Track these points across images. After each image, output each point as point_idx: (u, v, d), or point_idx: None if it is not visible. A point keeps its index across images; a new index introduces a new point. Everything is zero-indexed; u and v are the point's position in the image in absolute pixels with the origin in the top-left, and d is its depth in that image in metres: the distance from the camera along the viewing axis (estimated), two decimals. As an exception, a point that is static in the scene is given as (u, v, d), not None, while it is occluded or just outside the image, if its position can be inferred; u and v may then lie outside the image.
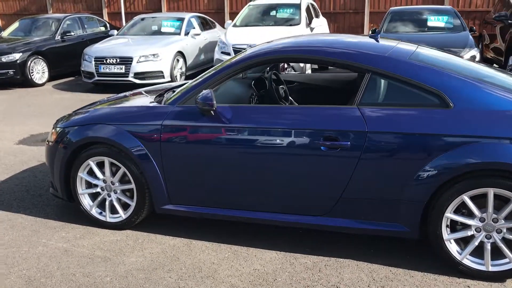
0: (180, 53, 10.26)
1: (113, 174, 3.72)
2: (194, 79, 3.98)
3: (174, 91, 4.02)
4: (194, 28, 11.23)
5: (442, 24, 9.56)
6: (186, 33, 10.90)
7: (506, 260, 2.95)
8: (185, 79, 10.45)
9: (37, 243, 3.63)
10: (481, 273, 2.99)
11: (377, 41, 3.69)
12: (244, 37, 9.52)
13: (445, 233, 3.02)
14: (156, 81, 9.65)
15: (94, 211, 3.84)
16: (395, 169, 3.02)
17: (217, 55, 9.64)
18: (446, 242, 3.02)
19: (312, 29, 10.21)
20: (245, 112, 3.36)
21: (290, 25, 10.04)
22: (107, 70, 9.59)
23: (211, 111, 3.34)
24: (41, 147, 6.03)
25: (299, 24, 10.00)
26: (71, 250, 3.52)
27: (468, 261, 3.02)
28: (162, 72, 9.68)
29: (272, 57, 3.45)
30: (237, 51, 9.28)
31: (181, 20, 11.21)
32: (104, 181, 3.75)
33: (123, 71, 9.51)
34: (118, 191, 3.75)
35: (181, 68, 10.29)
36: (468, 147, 2.88)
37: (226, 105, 3.40)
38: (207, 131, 3.37)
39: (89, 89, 10.21)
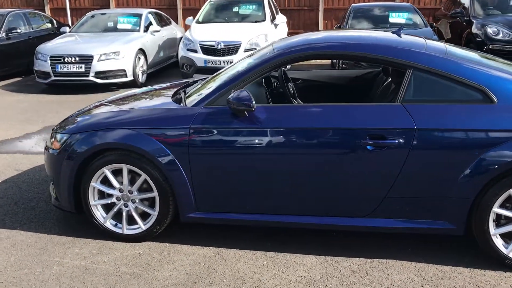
0: (141, 51, 9.83)
1: (131, 182, 3.43)
2: (211, 78, 3.76)
3: (185, 92, 3.79)
4: (152, 24, 10.81)
5: (403, 21, 9.80)
6: (145, 30, 10.47)
7: (551, 251, 3.01)
8: (147, 78, 10.05)
9: (50, 262, 3.28)
10: (528, 266, 3.03)
11: (400, 36, 3.65)
12: (210, 33, 9.28)
13: (492, 228, 3.03)
14: (118, 80, 9.21)
15: (109, 223, 3.53)
16: (443, 166, 2.99)
17: (182, 52, 9.32)
18: (493, 237, 3.03)
19: (276, 25, 10.14)
20: (284, 111, 3.21)
21: (256, 21, 9.91)
22: (65, 70, 9.00)
23: (246, 112, 3.16)
24: (15, 155, 5.52)
25: (264, 20, 9.90)
26: (92, 268, 3.21)
27: (515, 255, 3.05)
28: (124, 70, 9.23)
29: (308, 54, 3.31)
30: (204, 48, 9.04)
31: (138, 16, 10.76)
32: (120, 190, 3.45)
33: (83, 70, 8.96)
34: (137, 200, 3.46)
35: (142, 66, 9.86)
36: None
37: (260, 105, 3.22)
38: (242, 133, 3.18)
39: (44, 89, 9.55)
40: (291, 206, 3.27)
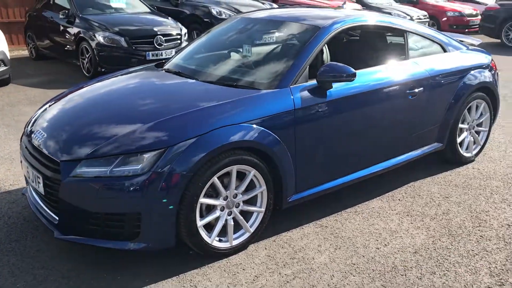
0: None
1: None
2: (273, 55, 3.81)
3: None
4: None
5: (124, 6, 9.86)
6: None
7: None
8: None
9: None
10: None
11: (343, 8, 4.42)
12: None
13: None
14: None
15: (215, 242, 2.99)
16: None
17: None
18: None
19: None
20: (364, 75, 3.60)
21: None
22: None
23: (332, 84, 3.33)
24: None
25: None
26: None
27: None
28: None
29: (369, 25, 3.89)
30: None
31: None
32: (225, 197, 2.98)
33: None
34: (241, 203, 3.07)
35: None
36: None
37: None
38: (341, 102, 3.39)
39: None
40: (368, 158, 3.73)
